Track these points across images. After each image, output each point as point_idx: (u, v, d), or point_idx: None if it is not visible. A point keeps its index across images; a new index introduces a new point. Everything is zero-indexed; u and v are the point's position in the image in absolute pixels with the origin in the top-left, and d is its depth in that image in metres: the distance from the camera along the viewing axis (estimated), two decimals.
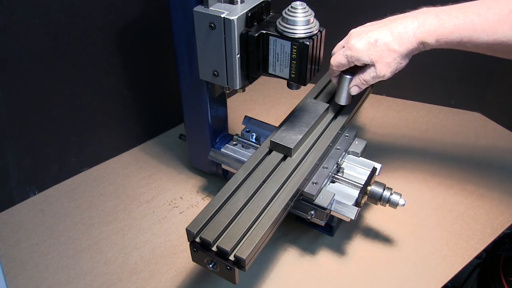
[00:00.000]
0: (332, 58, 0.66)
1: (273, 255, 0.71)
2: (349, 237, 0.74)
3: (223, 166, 0.77)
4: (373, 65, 0.62)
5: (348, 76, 0.67)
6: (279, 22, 0.58)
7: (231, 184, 0.61)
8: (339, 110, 0.77)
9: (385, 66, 0.61)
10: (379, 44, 0.60)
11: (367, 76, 0.64)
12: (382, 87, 1.03)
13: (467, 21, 0.56)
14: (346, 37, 0.65)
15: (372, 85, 0.84)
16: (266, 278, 0.68)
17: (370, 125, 0.98)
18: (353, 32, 0.64)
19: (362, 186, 0.65)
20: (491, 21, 0.55)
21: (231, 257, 0.52)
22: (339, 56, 0.64)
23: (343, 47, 0.65)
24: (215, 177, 0.84)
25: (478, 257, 0.74)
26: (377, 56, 0.61)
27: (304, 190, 0.64)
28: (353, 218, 0.64)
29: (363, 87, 0.66)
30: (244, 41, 0.59)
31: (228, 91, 0.71)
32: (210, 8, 0.59)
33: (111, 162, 0.89)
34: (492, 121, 1.01)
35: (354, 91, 0.67)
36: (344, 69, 0.66)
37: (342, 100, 0.70)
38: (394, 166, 0.81)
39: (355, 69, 0.66)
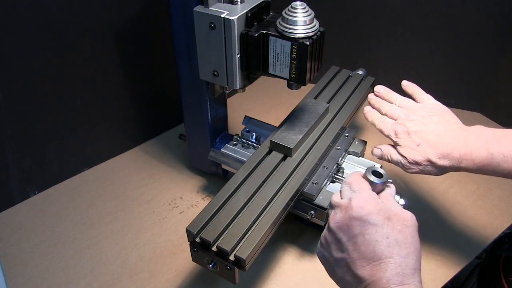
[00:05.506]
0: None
1: (273, 255, 0.71)
2: None
3: (223, 166, 0.77)
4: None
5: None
6: (279, 22, 0.58)
7: (231, 184, 0.61)
8: (339, 110, 0.77)
9: None
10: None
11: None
12: None
13: None
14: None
15: (371, 84, 0.83)
16: (266, 278, 0.68)
17: (370, 125, 0.98)
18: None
19: None
20: None
21: (231, 257, 0.52)
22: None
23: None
24: (215, 177, 0.84)
25: (478, 257, 0.74)
26: None
27: (304, 190, 0.64)
28: None
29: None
30: (244, 41, 0.59)
31: (228, 91, 0.71)
32: (210, 8, 0.59)
33: (111, 162, 0.89)
34: (492, 121, 1.01)
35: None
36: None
37: None
38: (394, 166, 0.81)
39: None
